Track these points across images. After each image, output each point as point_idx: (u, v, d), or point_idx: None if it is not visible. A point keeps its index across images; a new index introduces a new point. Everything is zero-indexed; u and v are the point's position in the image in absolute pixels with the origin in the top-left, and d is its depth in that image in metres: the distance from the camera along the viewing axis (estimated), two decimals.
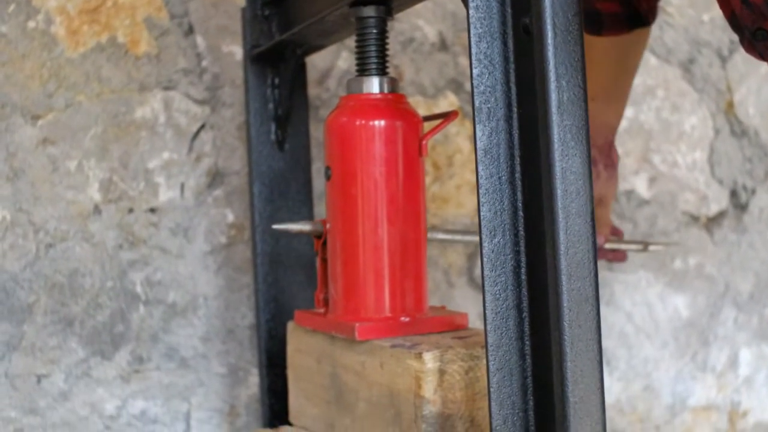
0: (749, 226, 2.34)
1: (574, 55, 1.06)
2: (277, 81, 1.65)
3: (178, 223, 1.83)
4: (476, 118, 1.09)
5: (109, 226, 1.79)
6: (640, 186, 2.24)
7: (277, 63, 1.65)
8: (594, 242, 1.08)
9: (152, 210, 1.82)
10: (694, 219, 2.29)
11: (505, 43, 1.10)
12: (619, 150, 2.20)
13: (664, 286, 2.26)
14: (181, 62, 1.85)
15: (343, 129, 1.34)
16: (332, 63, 1.94)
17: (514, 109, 1.10)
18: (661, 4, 1.66)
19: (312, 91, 1.89)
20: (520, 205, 1.10)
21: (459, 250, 2.03)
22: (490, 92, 1.10)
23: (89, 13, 1.80)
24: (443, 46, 2.03)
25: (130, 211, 1.80)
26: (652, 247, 1.77)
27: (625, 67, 1.64)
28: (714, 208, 2.32)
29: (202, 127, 1.85)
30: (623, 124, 2.20)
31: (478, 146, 1.09)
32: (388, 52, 1.38)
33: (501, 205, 1.10)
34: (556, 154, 1.05)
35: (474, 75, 1.09)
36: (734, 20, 1.39)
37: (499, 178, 1.10)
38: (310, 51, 1.64)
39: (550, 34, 1.05)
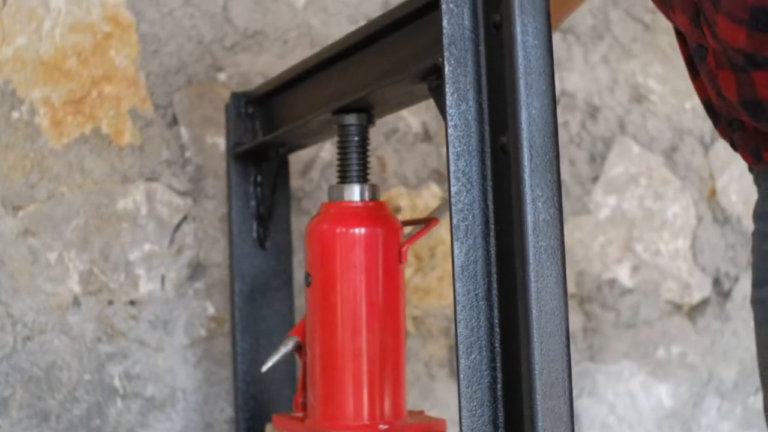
0: (732, 313, 2.34)
1: (551, 176, 1.07)
2: (259, 179, 1.66)
3: (157, 316, 1.82)
4: (454, 236, 1.09)
5: (88, 318, 1.78)
6: (623, 275, 2.24)
7: (260, 161, 1.66)
8: (569, 360, 1.08)
9: (132, 302, 1.81)
10: (677, 307, 2.29)
11: (483, 162, 1.11)
12: (602, 239, 2.21)
13: (646, 375, 2.25)
14: (164, 153, 1.85)
15: (323, 236, 1.35)
16: (315, 154, 1.94)
17: (492, 227, 1.11)
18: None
19: (295, 182, 1.89)
20: (496, 321, 1.11)
21: (440, 342, 2.02)
22: (467, 210, 1.10)
23: (74, 104, 1.81)
24: (427, 136, 2.04)
25: (110, 303, 1.80)
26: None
27: (564, 9, 1.66)
28: (697, 296, 2.32)
29: (184, 218, 1.86)
30: (606, 213, 2.21)
31: (455, 263, 1.09)
32: (369, 159, 1.39)
33: (477, 322, 1.10)
34: (532, 275, 1.05)
35: (452, 193, 1.10)
36: (710, 107, 1.41)
37: (476, 295, 1.10)
38: (292, 150, 1.64)
39: (526, 155, 1.06)
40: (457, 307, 1.09)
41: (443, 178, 2.05)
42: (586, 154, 2.19)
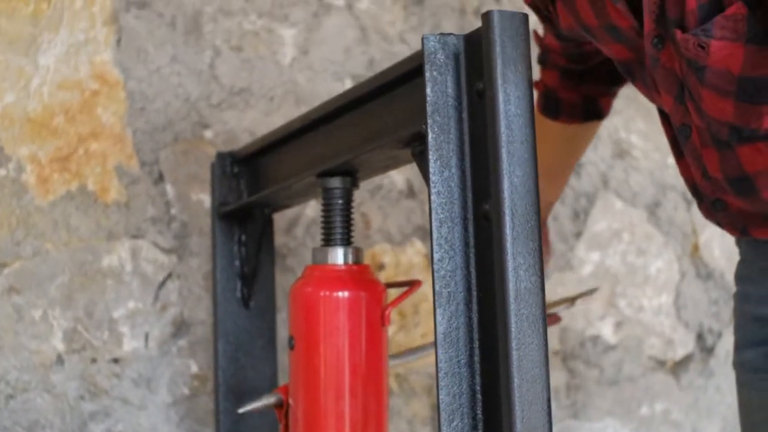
0: (716, 369, 2.35)
1: (532, 244, 1.08)
2: (244, 238, 1.67)
3: (141, 374, 1.82)
4: (436, 302, 1.10)
5: (71, 376, 1.78)
6: (606, 331, 2.25)
7: (244, 221, 1.67)
8: (550, 428, 1.09)
9: (115, 360, 1.81)
10: (661, 363, 2.30)
11: (465, 229, 1.12)
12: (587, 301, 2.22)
13: None
14: (150, 210, 1.86)
15: (307, 299, 1.35)
16: (300, 211, 1.95)
17: (474, 294, 1.11)
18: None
19: (279, 239, 1.90)
20: (478, 389, 1.11)
21: (423, 400, 2.03)
22: (450, 276, 1.11)
23: (60, 162, 1.81)
24: (411, 193, 2.06)
25: (93, 361, 1.80)
26: (578, 301, 1.80)
27: (573, 150, 1.71)
28: (680, 352, 2.33)
29: (169, 276, 1.86)
30: (589, 269, 2.22)
31: (438, 330, 1.10)
32: (353, 221, 1.39)
33: (459, 389, 1.10)
34: (514, 343, 1.05)
35: (435, 260, 1.10)
36: (694, 187, 1.42)
37: (458, 361, 1.11)
38: (277, 209, 1.65)
39: (508, 223, 1.07)
40: (439, 374, 1.09)
41: (427, 234, 2.06)
42: (569, 210, 2.21)
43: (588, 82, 1.61)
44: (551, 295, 2.12)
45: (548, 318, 1.72)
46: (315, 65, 2.00)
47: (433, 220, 1.11)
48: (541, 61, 1.61)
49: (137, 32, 1.89)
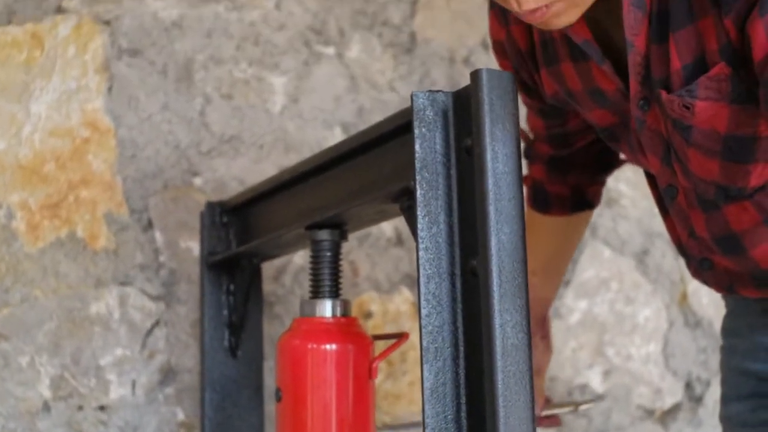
0: (704, 419, 2.35)
1: (520, 300, 1.08)
2: (232, 288, 1.67)
3: (127, 422, 1.82)
4: (423, 358, 1.10)
5: (57, 423, 1.77)
6: (594, 380, 2.25)
7: (233, 270, 1.67)
8: None
9: (102, 408, 1.81)
10: (649, 413, 2.30)
11: (453, 284, 1.12)
12: (573, 343, 2.22)
13: None
14: (138, 257, 1.86)
15: (295, 352, 1.35)
16: (288, 259, 1.96)
17: (461, 349, 1.12)
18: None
19: (267, 287, 1.90)
20: None
21: None
22: (437, 332, 1.11)
23: (50, 208, 1.82)
24: (399, 241, 2.06)
25: (80, 408, 1.79)
26: (582, 407, 1.81)
27: (567, 244, 1.70)
28: (669, 401, 2.33)
29: (156, 323, 1.86)
30: (577, 317, 2.23)
31: (424, 385, 1.10)
32: (341, 274, 1.40)
33: None
34: (500, 400, 1.06)
35: (422, 315, 1.11)
36: (680, 246, 1.43)
37: (445, 417, 1.11)
38: (266, 259, 1.66)
39: (495, 280, 1.07)
40: (426, 429, 1.09)
41: (415, 282, 2.06)
42: None
43: (574, 172, 1.60)
44: None
45: (549, 419, 1.74)
46: (305, 113, 2.01)
47: (420, 276, 1.11)
48: (527, 155, 1.62)
49: (129, 80, 1.90)
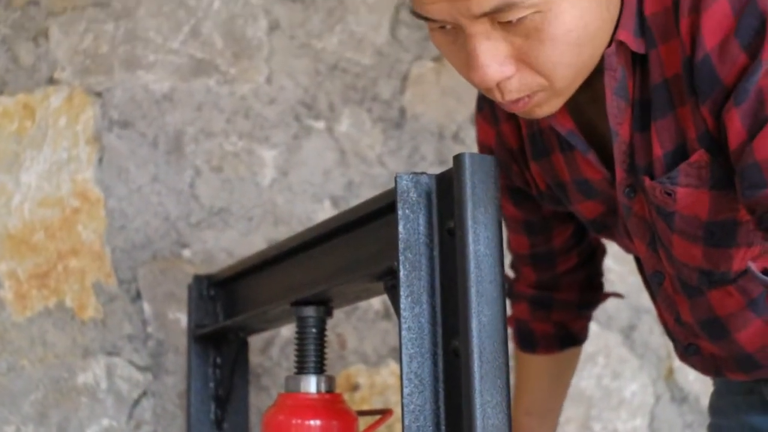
0: None
1: (500, 381, 1.09)
2: (219, 361, 1.68)
3: None
4: None
5: None
6: None
7: (220, 343, 1.68)
8: None
9: None
10: None
11: (435, 364, 1.14)
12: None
13: None
14: (126, 328, 1.87)
15: (279, 427, 1.36)
16: (275, 332, 1.96)
17: (443, 429, 1.12)
18: (605, 291, 1.73)
19: (254, 359, 1.91)
20: None
21: None
22: (419, 411, 1.12)
23: (39, 278, 1.83)
24: (387, 314, 2.07)
25: None
26: None
27: (559, 382, 1.69)
28: None
29: (144, 394, 1.86)
30: None
31: None
32: (326, 350, 1.41)
33: None
34: None
35: (404, 394, 1.12)
36: (668, 332, 1.44)
37: None
38: (252, 333, 1.67)
39: (476, 361, 1.08)
40: None
41: None
42: None
43: (558, 308, 1.61)
44: None
45: None
46: (294, 186, 2.03)
47: (403, 355, 1.12)
48: (510, 295, 1.62)
49: (119, 151, 1.92)
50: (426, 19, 1.12)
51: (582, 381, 2.27)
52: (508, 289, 1.62)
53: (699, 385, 2.38)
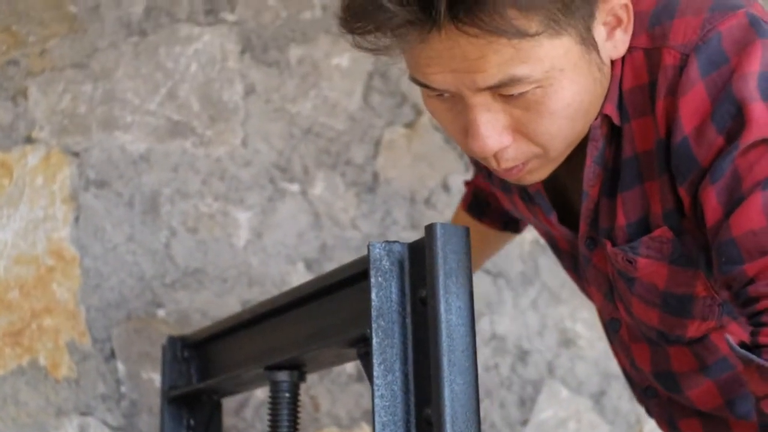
0: None
1: None
2: (192, 422, 1.68)
3: None
4: None
5: None
6: None
7: (193, 405, 1.68)
8: None
9: None
10: None
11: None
12: None
13: None
14: (100, 387, 1.87)
15: None
16: (249, 392, 1.97)
17: None
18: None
19: (228, 420, 1.91)
20: None
21: None
22: None
23: (13, 336, 1.83)
24: (360, 377, 2.08)
25: None
26: None
27: (483, 251, 1.73)
28: None
29: None
30: None
31: None
32: (299, 415, 1.42)
33: None
34: None
35: None
36: (626, 375, 1.47)
37: None
38: (226, 395, 1.67)
39: (449, 430, 1.09)
40: None
41: None
42: (515, 397, 2.23)
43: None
44: None
45: None
46: (269, 248, 2.04)
47: (376, 423, 1.13)
48: (474, 163, 1.61)
49: (95, 211, 1.93)
50: (426, 86, 1.14)
51: None
52: (473, 159, 1.61)
53: None
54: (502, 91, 1.11)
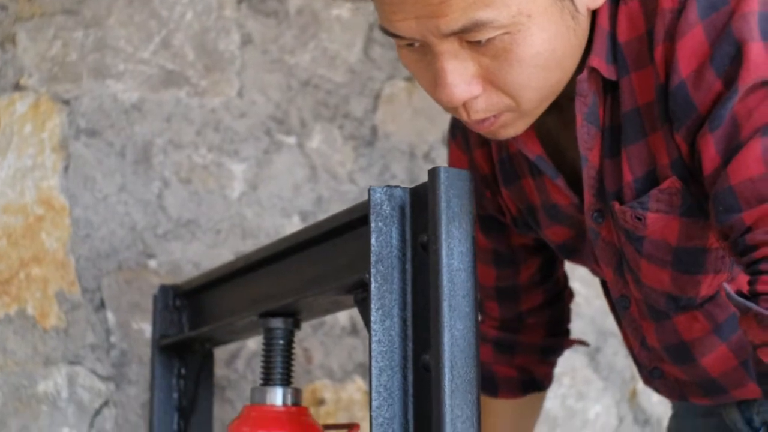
0: None
1: (471, 396, 1.08)
2: (183, 371, 1.66)
3: None
4: None
5: None
6: None
7: (184, 354, 1.66)
8: None
9: None
10: None
11: (405, 377, 1.13)
12: None
13: None
14: (89, 337, 1.85)
15: None
16: (242, 344, 1.95)
17: None
18: (571, 338, 1.72)
19: (219, 371, 1.89)
20: None
21: None
22: (388, 424, 1.11)
23: (0, 285, 1.81)
24: (353, 330, 2.06)
25: None
26: None
27: (522, 428, 1.65)
28: None
29: (106, 403, 1.84)
30: None
31: None
32: (293, 363, 1.40)
33: None
34: None
35: (373, 407, 1.11)
36: (634, 356, 1.44)
37: None
38: (218, 344, 1.65)
39: (447, 375, 1.08)
40: None
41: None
42: None
43: (522, 352, 1.58)
44: None
45: None
46: (263, 200, 2.02)
47: (373, 368, 1.11)
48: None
49: (86, 160, 1.90)
50: (394, 35, 1.11)
51: (547, 401, 2.26)
52: None
53: (661, 407, 2.39)
54: (468, 38, 1.08)
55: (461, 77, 1.10)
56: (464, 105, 1.13)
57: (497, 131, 1.18)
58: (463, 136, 1.42)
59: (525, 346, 1.58)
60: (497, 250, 1.49)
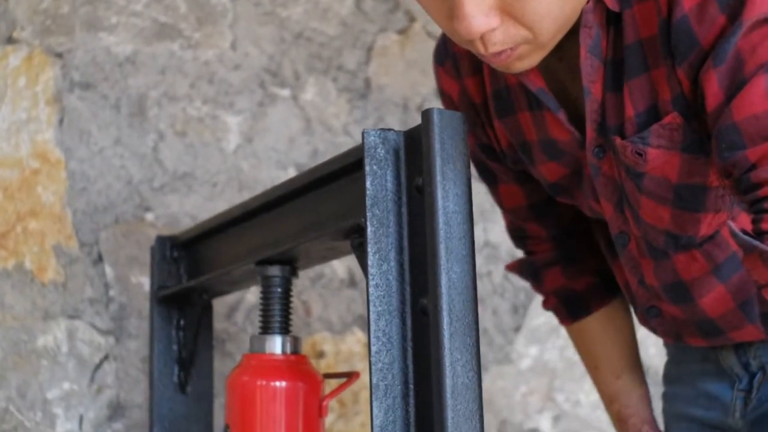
0: None
1: (469, 339, 1.08)
2: (182, 323, 1.66)
3: None
4: (373, 395, 1.10)
5: None
6: (545, 424, 2.25)
7: (183, 305, 1.66)
8: None
9: None
10: None
11: (403, 322, 1.13)
12: (524, 388, 2.22)
13: None
14: (88, 291, 1.85)
15: (244, 389, 1.35)
16: (240, 297, 1.95)
17: (411, 387, 1.11)
18: None
19: (219, 325, 1.89)
20: None
21: None
22: (387, 369, 1.11)
23: None
24: (352, 282, 2.06)
25: None
26: None
27: (624, 332, 1.57)
28: None
29: (106, 357, 1.84)
30: (528, 362, 2.23)
31: (374, 423, 1.10)
32: (292, 310, 1.39)
33: None
34: None
35: (372, 352, 1.11)
36: (630, 294, 1.43)
37: None
38: (216, 295, 1.65)
39: (446, 319, 1.07)
40: None
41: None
42: (508, 304, 2.22)
43: (589, 257, 1.51)
44: (491, 387, 2.12)
45: None
46: (259, 153, 2.01)
47: (371, 313, 1.11)
48: (536, 278, 1.52)
49: (80, 113, 1.89)
50: None
51: (546, 352, 2.27)
52: (534, 274, 1.53)
53: (659, 359, 2.38)
54: None
55: (479, 8, 1.08)
56: (482, 38, 1.11)
57: (512, 64, 1.16)
58: (453, 64, 1.39)
59: (589, 251, 1.52)
60: (514, 171, 1.45)
